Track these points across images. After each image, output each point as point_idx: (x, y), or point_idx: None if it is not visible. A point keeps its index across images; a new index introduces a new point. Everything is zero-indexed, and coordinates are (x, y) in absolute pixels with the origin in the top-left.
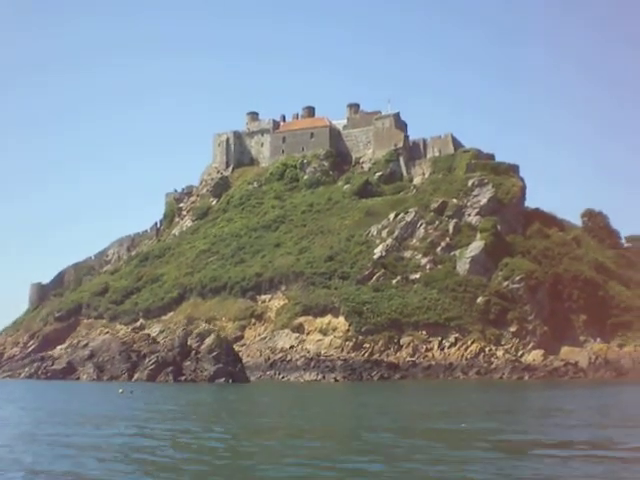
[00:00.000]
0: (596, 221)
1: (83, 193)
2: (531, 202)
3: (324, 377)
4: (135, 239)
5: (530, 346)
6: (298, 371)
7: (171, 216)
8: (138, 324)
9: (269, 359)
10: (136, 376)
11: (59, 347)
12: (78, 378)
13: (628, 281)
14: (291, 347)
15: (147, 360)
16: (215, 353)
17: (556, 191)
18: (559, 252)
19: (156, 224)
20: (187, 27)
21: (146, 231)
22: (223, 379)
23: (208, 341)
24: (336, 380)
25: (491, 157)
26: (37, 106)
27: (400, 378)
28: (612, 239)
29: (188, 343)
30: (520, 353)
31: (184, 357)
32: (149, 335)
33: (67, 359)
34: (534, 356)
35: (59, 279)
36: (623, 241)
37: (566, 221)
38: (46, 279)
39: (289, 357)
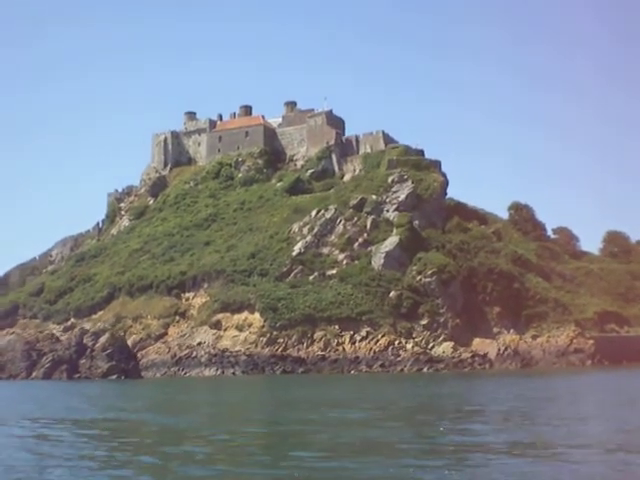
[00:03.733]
0: (522, 214)
1: (32, 191)
2: (464, 197)
3: (223, 372)
4: (78, 239)
5: (441, 338)
6: (200, 367)
7: (112, 216)
8: (69, 323)
9: (175, 356)
10: (34, 374)
11: None
12: None
13: (550, 272)
14: (199, 344)
15: (44, 358)
16: (109, 351)
17: (491, 187)
18: (475, 245)
19: (98, 224)
20: (125, 28)
21: (89, 231)
22: (115, 376)
23: (102, 339)
24: (234, 374)
25: (420, 153)
26: None
27: (303, 372)
28: (537, 231)
29: (84, 342)
30: (431, 345)
31: (80, 355)
32: (53, 334)
33: None
34: (444, 348)
35: (4, 280)
36: (549, 233)
37: (492, 215)
38: None
39: (194, 353)
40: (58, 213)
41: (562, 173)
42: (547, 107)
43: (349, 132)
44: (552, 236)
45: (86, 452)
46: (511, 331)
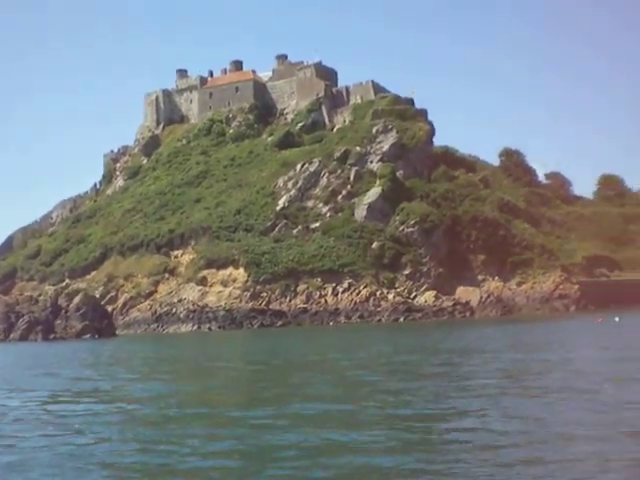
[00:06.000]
0: (512, 160)
1: (31, 154)
2: (457, 145)
3: (200, 327)
4: (77, 201)
5: (424, 288)
6: (178, 323)
7: (109, 177)
8: (64, 284)
9: (156, 313)
10: (11, 336)
11: None
12: None
13: (539, 218)
14: (179, 300)
15: (21, 320)
16: (82, 311)
17: (485, 133)
18: (460, 194)
19: (95, 185)
20: None
21: (87, 192)
22: (89, 335)
23: (76, 300)
24: (210, 329)
25: (410, 102)
26: None
27: (282, 325)
28: (527, 177)
29: (59, 302)
30: (413, 295)
31: (56, 316)
32: (32, 297)
33: None
34: (426, 297)
35: (8, 244)
36: (542, 178)
37: (482, 161)
38: None
39: (174, 310)
40: (59, 176)
41: (559, 117)
42: (545, 44)
43: (343, 83)
44: (544, 181)
45: None
46: (496, 278)
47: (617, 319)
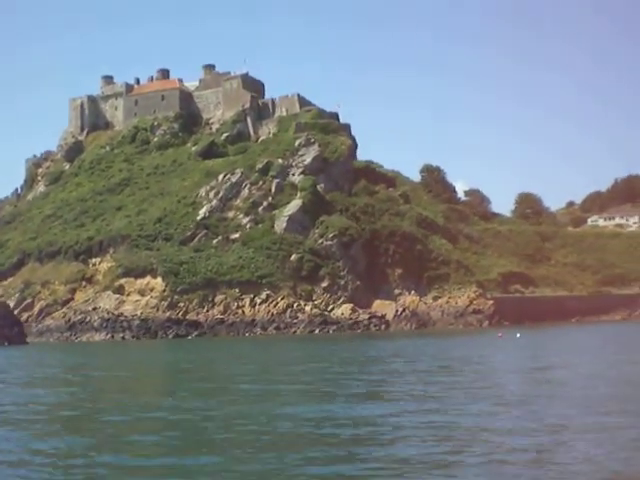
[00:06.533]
0: (433, 176)
1: None
2: (382, 160)
3: (113, 337)
4: None
5: (341, 300)
6: (91, 332)
7: (30, 182)
8: None
9: (69, 321)
10: None
11: None
12: None
13: (456, 234)
14: (94, 308)
15: None
16: None
17: (409, 149)
18: (380, 208)
19: (16, 190)
20: None
21: (7, 197)
22: None
23: None
24: (124, 339)
25: (334, 116)
26: None
27: (197, 335)
28: (447, 193)
29: None
30: (330, 307)
31: None
32: None
33: None
34: (343, 310)
35: None
36: (461, 195)
37: (403, 177)
38: None
39: (88, 318)
40: None
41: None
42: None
43: (270, 95)
44: (463, 198)
45: None
46: (412, 292)
47: (518, 335)
